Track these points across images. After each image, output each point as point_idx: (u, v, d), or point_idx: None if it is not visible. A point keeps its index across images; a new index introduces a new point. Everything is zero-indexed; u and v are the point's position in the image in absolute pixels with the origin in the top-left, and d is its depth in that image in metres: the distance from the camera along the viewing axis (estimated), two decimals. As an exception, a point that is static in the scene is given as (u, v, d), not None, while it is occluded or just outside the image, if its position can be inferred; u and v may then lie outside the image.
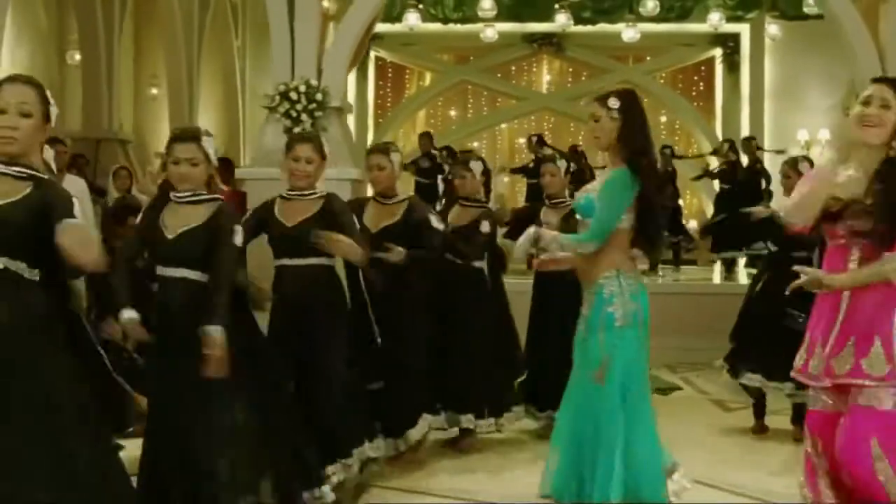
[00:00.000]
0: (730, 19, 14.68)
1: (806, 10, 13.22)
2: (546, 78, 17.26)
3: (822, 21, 13.77)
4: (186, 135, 3.90)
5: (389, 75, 17.08)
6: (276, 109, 7.74)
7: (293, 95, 7.75)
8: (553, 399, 4.61)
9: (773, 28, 14.54)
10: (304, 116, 7.67)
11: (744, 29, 15.47)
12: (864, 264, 3.43)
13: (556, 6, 14.45)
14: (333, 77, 8.13)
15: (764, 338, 5.70)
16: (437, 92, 17.05)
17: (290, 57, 8.17)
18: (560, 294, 5.26)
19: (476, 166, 5.94)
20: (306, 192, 4.60)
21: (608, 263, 4.01)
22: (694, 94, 16.62)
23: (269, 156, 7.38)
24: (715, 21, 14.49)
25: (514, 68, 17.13)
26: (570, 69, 17.13)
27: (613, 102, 3.99)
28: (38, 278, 3.17)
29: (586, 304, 4.07)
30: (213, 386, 3.63)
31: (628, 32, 15.09)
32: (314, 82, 7.91)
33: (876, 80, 3.65)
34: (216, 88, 14.98)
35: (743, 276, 11.24)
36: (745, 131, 15.05)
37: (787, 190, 5.56)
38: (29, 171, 3.19)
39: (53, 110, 3.30)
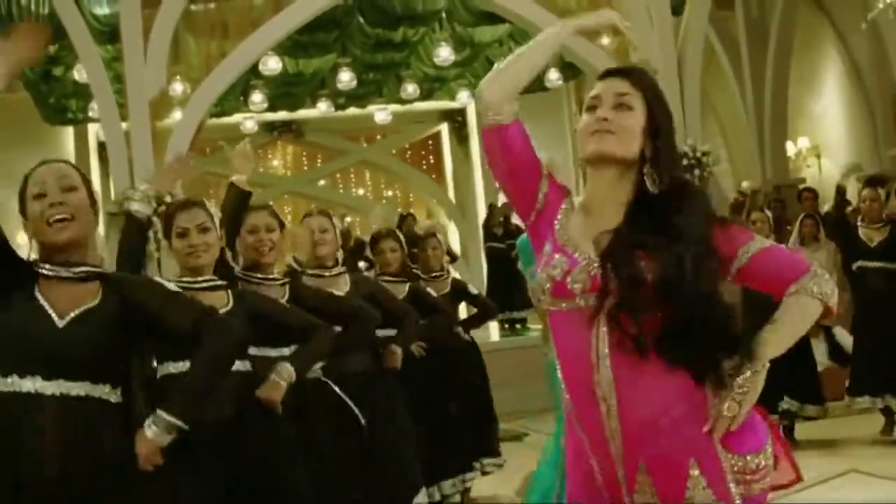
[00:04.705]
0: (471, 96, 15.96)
1: (548, 84, 14.81)
2: (281, 163, 17.64)
3: (546, 93, 15.61)
4: None
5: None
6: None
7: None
8: None
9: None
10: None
11: (470, 104, 16.87)
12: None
13: (316, 95, 14.93)
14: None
15: None
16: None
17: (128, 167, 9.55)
18: None
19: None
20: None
21: None
22: (425, 166, 17.80)
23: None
24: (465, 99, 15.75)
25: (251, 156, 17.31)
26: (305, 153, 17.65)
27: None
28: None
29: None
30: None
31: (380, 115, 15.93)
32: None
33: (604, 75, 2.51)
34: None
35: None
36: (480, 197, 16.51)
37: None
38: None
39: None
